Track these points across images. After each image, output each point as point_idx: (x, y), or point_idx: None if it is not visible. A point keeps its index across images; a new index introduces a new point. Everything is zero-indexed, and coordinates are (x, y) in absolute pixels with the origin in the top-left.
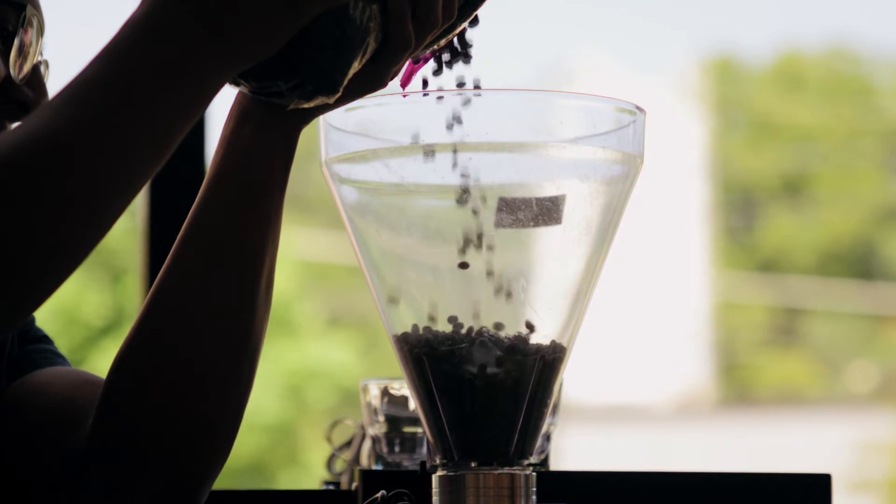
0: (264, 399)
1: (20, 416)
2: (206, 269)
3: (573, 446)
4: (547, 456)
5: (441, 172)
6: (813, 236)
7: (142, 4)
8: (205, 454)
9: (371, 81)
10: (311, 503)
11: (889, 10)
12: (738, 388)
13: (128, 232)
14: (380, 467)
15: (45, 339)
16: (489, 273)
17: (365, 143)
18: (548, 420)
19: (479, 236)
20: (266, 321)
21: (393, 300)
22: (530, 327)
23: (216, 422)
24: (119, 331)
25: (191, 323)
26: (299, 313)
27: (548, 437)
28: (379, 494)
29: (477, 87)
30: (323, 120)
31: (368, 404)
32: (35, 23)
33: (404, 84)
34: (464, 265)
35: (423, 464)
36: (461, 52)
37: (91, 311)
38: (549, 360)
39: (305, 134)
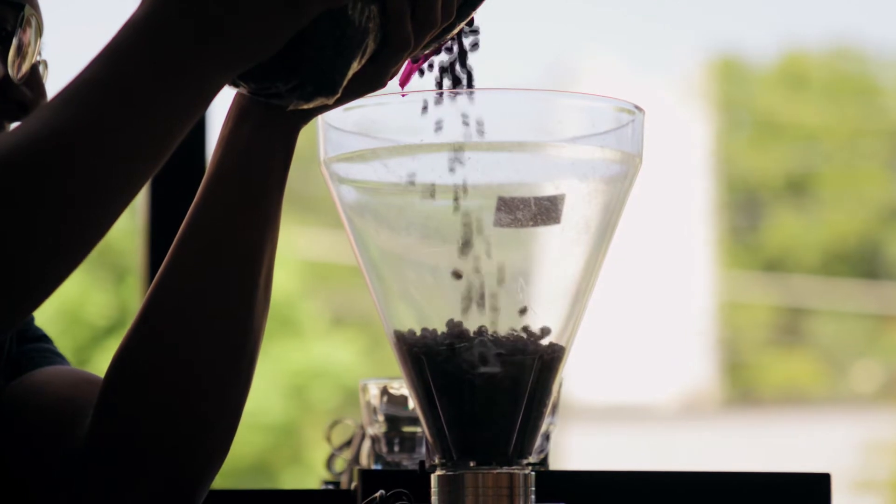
0: (268, 399)
1: (19, 415)
2: (205, 269)
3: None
4: (546, 455)
5: (439, 172)
6: (817, 236)
7: (141, 5)
8: (203, 453)
9: (370, 81)
10: (311, 503)
11: (893, 10)
12: (742, 388)
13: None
14: (379, 467)
15: (44, 338)
16: (488, 273)
17: (364, 142)
18: (547, 420)
19: (478, 236)
20: (265, 320)
21: (391, 300)
22: (529, 327)
23: (215, 421)
24: (123, 331)
25: (189, 322)
26: (303, 313)
27: (547, 437)
28: (378, 494)
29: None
30: (322, 119)
31: (368, 404)
32: (34, 23)
33: (403, 83)
34: (457, 274)
35: (421, 463)
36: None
37: (95, 311)
38: (548, 360)
39: (309, 134)
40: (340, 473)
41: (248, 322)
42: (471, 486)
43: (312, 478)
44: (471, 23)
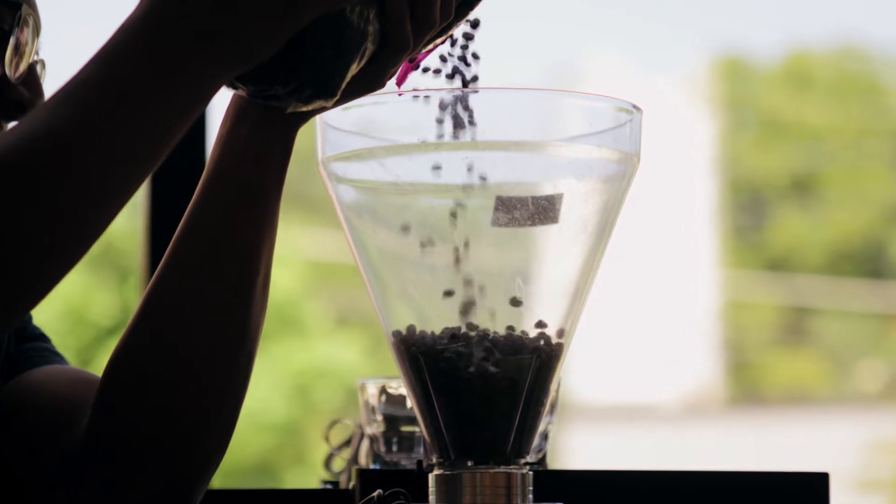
0: (271, 399)
1: (17, 414)
2: (203, 268)
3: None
4: (544, 455)
5: (437, 171)
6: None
7: (139, 6)
8: (201, 453)
9: (369, 82)
10: (309, 502)
11: None
12: (746, 387)
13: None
14: (378, 466)
15: (41, 337)
16: (486, 272)
17: (362, 141)
18: (546, 419)
19: (476, 236)
20: (262, 319)
21: (389, 299)
22: (527, 326)
23: (213, 420)
24: None
25: (188, 321)
26: (306, 313)
27: (545, 437)
28: (375, 493)
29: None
30: (320, 119)
31: (366, 403)
32: (31, 22)
33: (399, 83)
34: (449, 293)
35: (419, 463)
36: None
37: (99, 311)
38: (546, 359)
39: (311, 134)
40: (339, 473)
41: (247, 321)
42: (468, 486)
43: (315, 478)
44: (476, 24)
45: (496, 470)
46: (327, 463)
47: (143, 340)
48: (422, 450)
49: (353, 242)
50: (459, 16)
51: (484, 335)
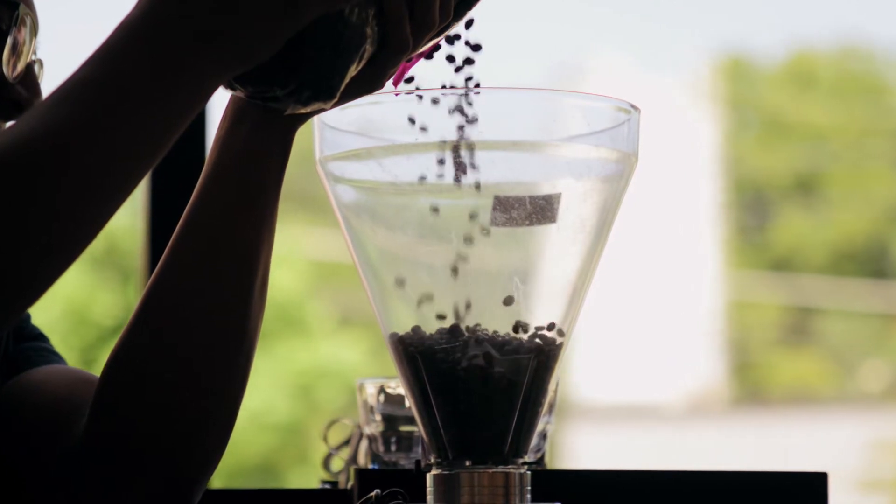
0: (274, 399)
1: (16, 414)
2: (202, 268)
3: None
4: (543, 455)
5: (435, 171)
6: (825, 235)
7: (137, 5)
8: (200, 452)
9: (368, 83)
10: (308, 502)
11: None
12: (750, 387)
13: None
14: (376, 466)
15: (40, 336)
16: (484, 272)
17: (360, 141)
18: (544, 419)
19: (474, 235)
20: (261, 319)
21: (387, 299)
22: (524, 326)
23: (212, 420)
24: None
25: (186, 321)
26: (309, 313)
27: (544, 436)
28: (373, 493)
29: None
30: (318, 118)
31: (365, 403)
32: (28, 21)
33: (396, 82)
34: (441, 317)
35: (417, 462)
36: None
37: (102, 311)
38: (544, 359)
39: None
40: (338, 473)
41: (245, 320)
42: (466, 486)
43: (317, 478)
44: (469, 24)
45: (494, 470)
46: (326, 463)
47: (141, 340)
48: (420, 450)
49: (350, 242)
50: (458, 15)
51: (482, 335)
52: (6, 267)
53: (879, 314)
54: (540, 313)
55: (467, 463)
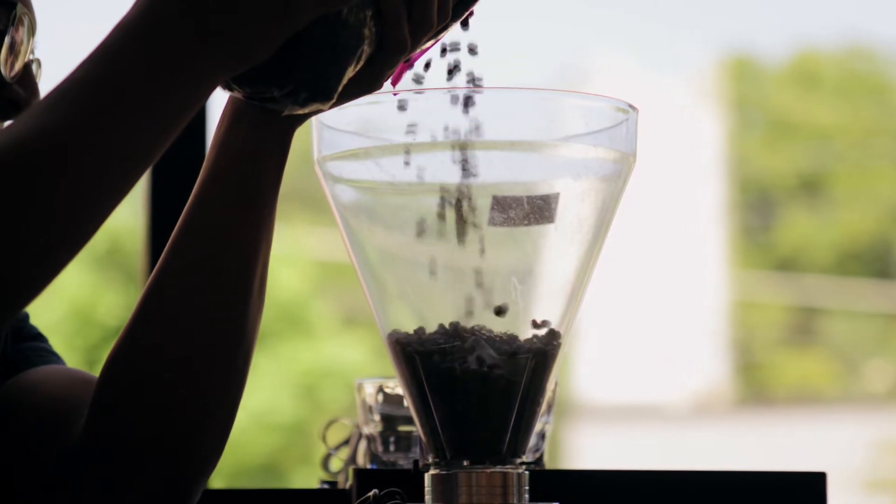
0: (278, 399)
1: (14, 414)
2: (201, 268)
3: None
4: (542, 455)
5: (433, 171)
6: (830, 235)
7: (135, 5)
8: (199, 452)
9: (366, 84)
10: (307, 502)
11: None
12: (755, 387)
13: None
14: (375, 466)
15: (39, 336)
16: (482, 271)
17: (358, 141)
18: (543, 419)
19: (472, 235)
20: (260, 319)
21: (386, 299)
22: (523, 326)
23: (211, 419)
24: None
25: (185, 321)
26: (313, 313)
27: (542, 436)
28: (371, 493)
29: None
30: (316, 118)
31: (363, 403)
32: (26, 21)
33: (394, 83)
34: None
35: (416, 462)
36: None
37: (106, 311)
38: (542, 359)
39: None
40: (337, 473)
41: (244, 320)
42: (464, 486)
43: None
44: (465, 23)
45: (492, 470)
46: (325, 463)
47: (140, 340)
48: (418, 450)
49: (349, 242)
50: (456, 15)
51: (480, 335)
52: (4, 267)
53: (884, 314)
54: (538, 313)
55: (465, 463)
